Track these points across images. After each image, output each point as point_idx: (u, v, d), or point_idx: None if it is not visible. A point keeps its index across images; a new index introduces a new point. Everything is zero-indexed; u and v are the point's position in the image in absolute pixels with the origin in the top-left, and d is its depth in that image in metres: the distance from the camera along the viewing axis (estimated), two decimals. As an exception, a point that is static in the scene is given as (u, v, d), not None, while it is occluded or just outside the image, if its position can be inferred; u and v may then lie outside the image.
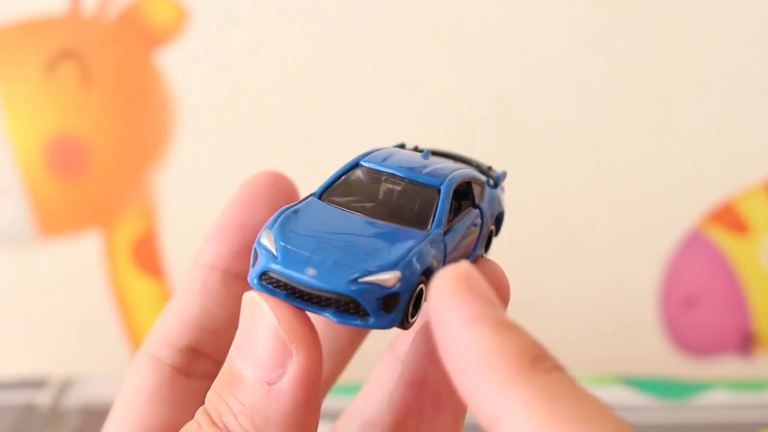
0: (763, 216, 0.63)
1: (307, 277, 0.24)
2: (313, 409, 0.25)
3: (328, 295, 0.24)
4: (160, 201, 0.62)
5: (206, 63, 0.61)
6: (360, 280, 0.24)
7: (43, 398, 0.55)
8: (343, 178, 0.29)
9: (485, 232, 0.30)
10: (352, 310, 0.25)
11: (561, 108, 0.61)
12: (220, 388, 0.25)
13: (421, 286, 0.26)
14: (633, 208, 0.62)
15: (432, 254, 0.26)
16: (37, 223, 0.63)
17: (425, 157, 0.29)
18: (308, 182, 0.64)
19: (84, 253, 0.63)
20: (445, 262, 0.27)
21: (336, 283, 0.24)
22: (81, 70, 0.61)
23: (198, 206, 0.62)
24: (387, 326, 0.25)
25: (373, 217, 0.27)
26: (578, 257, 0.63)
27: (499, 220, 0.31)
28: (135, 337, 0.64)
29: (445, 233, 0.27)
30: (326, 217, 0.27)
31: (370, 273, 0.24)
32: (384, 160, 0.28)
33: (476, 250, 0.29)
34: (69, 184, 0.62)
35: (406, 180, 0.28)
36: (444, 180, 0.27)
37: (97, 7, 0.60)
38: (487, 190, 0.30)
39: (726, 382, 0.56)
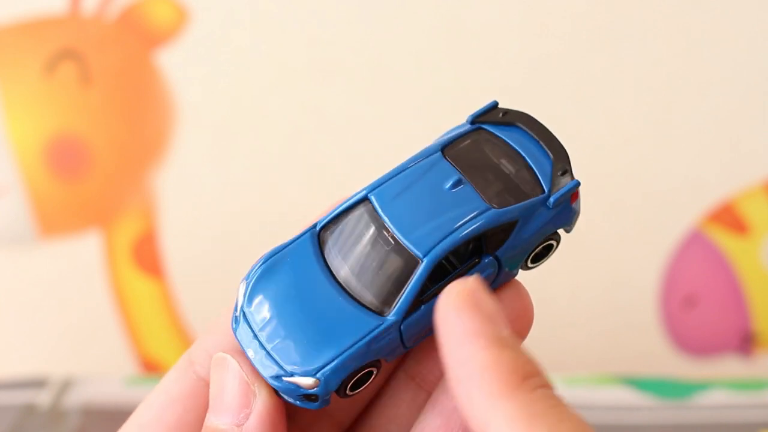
0: (763, 216, 0.63)
1: (249, 355, 0.27)
2: None
3: None
4: (160, 201, 0.62)
5: (206, 63, 0.61)
6: (283, 378, 0.26)
7: (43, 398, 0.55)
8: (346, 213, 0.28)
9: (508, 273, 0.29)
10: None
11: (561, 108, 0.61)
12: None
13: (368, 370, 0.27)
14: (633, 208, 0.62)
15: (374, 350, 0.26)
16: (37, 223, 0.63)
17: (453, 186, 0.27)
18: (308, 182, 0.64)
19: (84, 253, 0.63)
20: (404, 344, 0.27)
21: (264, 372, 0.27)
22: (81, 70, 0.61)
23: (198, 206, 0.62)
24: (314, 409, 0.27)
25: (345, 283, 0.27)
26: (578, 257, 0.63)
27: (553, 239, 0.30)
28: (135, 337, 0.64)
29: (410, 315, 0.27)
30: (297, 279, 0.27)
31: (293, 375, 0.26)
32: (394, 198, 0.27)
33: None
34: (69, 184, 0.62)
35: (395, 239, 0.27)
36: (429, 251, 0.26)
37: (97, 7, 0.60)
38: (530, 219, 0.28)
39: (726, 382, 0.56)
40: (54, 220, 0.63)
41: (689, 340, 0.64)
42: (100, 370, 0.62)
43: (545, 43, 0.60)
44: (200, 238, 0.63)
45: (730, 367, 0.64)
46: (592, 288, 0.63)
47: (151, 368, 0.65)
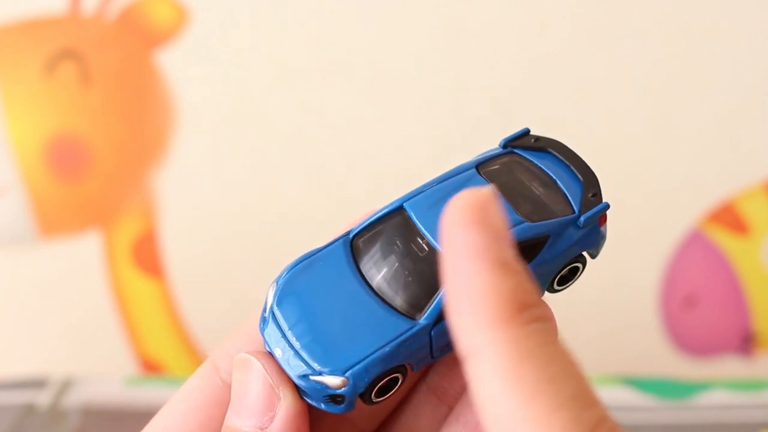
0: (763, 216, 0.63)
1: (276, 354, 0.27)
2: None
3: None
4: (160, 201, 0.62)
5: (206, 63, 0.61)
6: (310, 377, 0.26)
7: (43, 398, 0.55)
8: (380, 221, 0.28)
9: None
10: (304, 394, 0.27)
11: (561, 108, 0.61)
12: None
13: (395, 375, 0.27)
14: (633, 208, 0.62)
15: (403, 354, 0.26)
16: (37, 223, 0.63)
17: None
18: (308, 182, 0.64)
19: (84, 253, 0.63)
20: (432, 352, 0.27)
21: (292, 371, 0.26)
22: (81, 70, 0.61)
23: (198, 206, 0.62)
24: (339, 413, 0.27)
25: (377, 288, 0.27)
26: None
27: (579, 261, 0.29)
28: (135, 337, 0.64)
29: (441, 321, 0.26)
30: (329, 282, 0.27)
31: (321, 374, 0.26)
32: (429, 208, 0.28)
33: None
34: (69, 184, 0.62)
35: (430, 246, 0.27)
36: None
37: (97, 7, 0.60)
38: (560, 237, 0.28)
39: (726, 382, 0.56)
40: (54, 220, 0.63)
41: (689, 340, 0.64)
42: (100, 370, 0.62)
43: (545, 43, 0.60)
44: (200, 238, 0.63)
45: (730, 367, 0.64)
46: (592, 288, 0.63)
47: (151, 368, 0.65)
